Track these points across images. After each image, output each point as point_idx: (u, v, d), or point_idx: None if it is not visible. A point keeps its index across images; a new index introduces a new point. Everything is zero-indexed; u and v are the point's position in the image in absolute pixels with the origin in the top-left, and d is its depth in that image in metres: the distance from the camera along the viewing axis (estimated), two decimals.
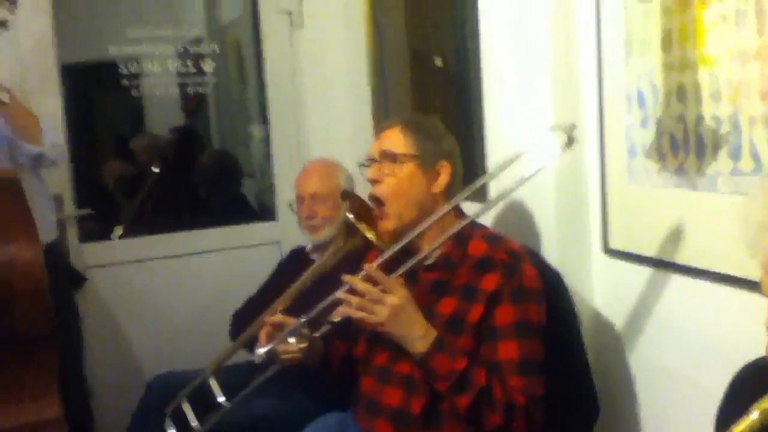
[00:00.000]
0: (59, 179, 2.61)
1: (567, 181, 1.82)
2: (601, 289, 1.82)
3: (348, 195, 1.67)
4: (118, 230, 3.10)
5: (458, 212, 1.65)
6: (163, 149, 3.45)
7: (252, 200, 3.33)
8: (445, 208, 1.58)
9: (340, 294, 1.49)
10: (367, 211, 1.63)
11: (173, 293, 2.75)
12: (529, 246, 1.82)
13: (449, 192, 1.64)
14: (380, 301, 1.45)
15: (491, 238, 1.62)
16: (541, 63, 1.81)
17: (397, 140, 1.64)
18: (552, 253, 1.82)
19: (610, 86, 1.73)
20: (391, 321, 1.46)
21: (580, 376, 1.67)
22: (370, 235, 1.61)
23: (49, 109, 2.50)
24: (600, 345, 1.79)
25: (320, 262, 1.74)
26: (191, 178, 3.45)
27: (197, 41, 3.14)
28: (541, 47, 1.80)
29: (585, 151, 1.81)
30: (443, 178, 1.63)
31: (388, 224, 1.60)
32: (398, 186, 1.60)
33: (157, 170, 3.41)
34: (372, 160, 1.66)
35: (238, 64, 3.26)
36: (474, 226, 1.64)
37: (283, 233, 2.86)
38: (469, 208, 1.65)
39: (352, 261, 1.66)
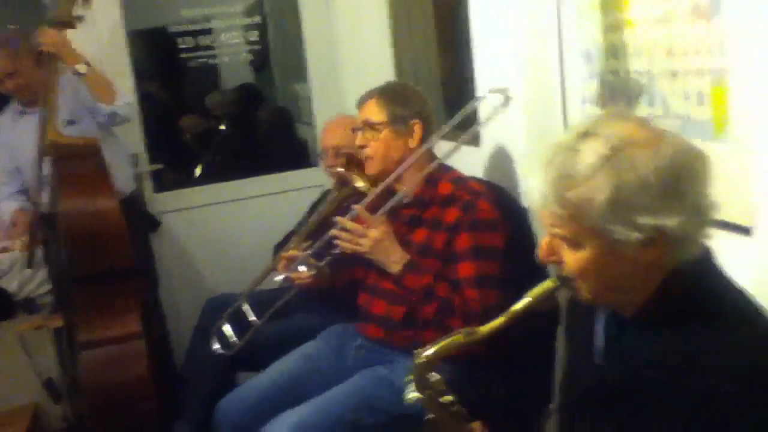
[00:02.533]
0: (135, 140, 3.11)
1: (538, 123, 2.12)
2: None
3: (341, 154, 2.05)
4: (197, 170, 3.61)
5: (430, 158, 1.99)
6: (232, 105, 3.90)
7: (304, 149, 3.74)
8: (412, 158, 1.93)
9: (333, 231, 1.89)
10: (358, 164, 2.01)
11: (233, 232, 3.23)
12: (505, 184, 2.17)
13: (425, 142, 1.98)
14: (364, 235, 1.85)
15: (457, 179, 1.97)
16: (511, 25, 2.11)
17: (372, 110, 1.98)
18: (525, 186, 2.16)
19: (568, 45, 2.02)
20: (373, 249, 1.86)
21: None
22: (359, 183, 2.00)
23: (123, 79, 2.97)
24: None
25: (321, 208, 2.14)
26: (252, 130, 3.89)
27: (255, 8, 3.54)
28: (510, 11, 2.10)
29: (553, 99, 2.11)
30: (416, 134, 1.97)
31: (372, 171, 2.00)
32: (378, 148, 1.97)
33: (223, 128, 3.89)
34: (358, 129, 2.02)
35: (285, 29, 3.65)
36: (445, 170, 2.00)
37: (324, 178, 3.26)
38: (461, 152, 1.97)
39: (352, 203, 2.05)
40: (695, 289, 1.04)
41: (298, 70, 3.51)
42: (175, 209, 3.24)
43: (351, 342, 2.07)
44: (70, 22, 2.50)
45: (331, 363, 2.04)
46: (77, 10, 2.50)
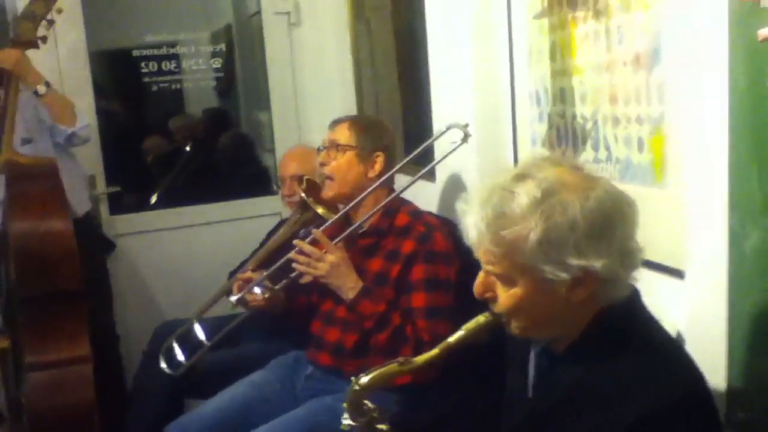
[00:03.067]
0: (93, 161, 3.10)
1: (490, 161, 2.19)
2: None
3: (303, 179, 2.09)
4: (153, 198, 3.60)
5: (389, 191, 2.04)
6: (196, 128, 3.90)
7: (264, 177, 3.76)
8: (374, 186, 1.98)
9: (291, 254, 1.92)
10: (319, 191, 2.05)
11: (189, 257, 3.22)
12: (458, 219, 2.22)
13: (384, 176, 2.03)
14: (321, 259, 1.88)
15: (414, 212, 2.03)
16: (467, 66, 2.18)
17: (342, 133, 2.05)
18: None
19: (519, 87, 2.09)
20: (329, 274, 1.89)
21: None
22: (319, 210, 2.04)
23: (83, 98, 2.97)
24: None
25: (281, 230, 2.17)
26: (214, 156, 3.88)
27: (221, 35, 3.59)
28: (466, 54, 2.17)
29: (504, 138, 2.18)
30: (378, 166, 2.03)
31: (329, 193, 2.04)
32: (339, 168, 2.02)
33: (188, 149, 3.88)
34: (324, 147, 2.08)
35: (251, 56, 3.68)
36: (403, 203, 2.05)
37: (282, 206, 3.27)
38: (416, 186, 2.03)
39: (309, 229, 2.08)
40: (624, 326, 1.09)
41: (261, 97, 3.54)
42: (131, 232, 3.22)
43: (301, 371, 2.08)
44: (32, 42, 2.50)
45: (278, 392, 2.05)
46: (41, 31, 2.51)
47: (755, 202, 1.21)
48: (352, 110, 3.19)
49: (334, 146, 2.04)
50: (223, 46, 3.55)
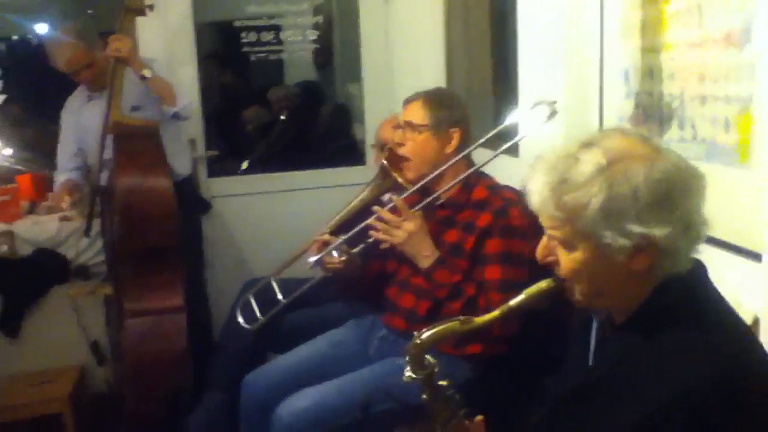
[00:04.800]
0: (195, 126, 3.28)
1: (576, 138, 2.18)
2: None
3: (384, 148, 2.14)
4: (244, 165, 3.76)
5: (468, 165, 2.06)
6: (293, 100, 4.04)
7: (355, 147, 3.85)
8: (451, 162, 2.01)
9: (370, 220, 1.98)
10: (400, 160, 2.10)
11: (279, 221, 3.35)
12: None
13: (462, 150, 2.05)
14: (399, 226, 1.93)
15: (493, 186, 2.05)
16: (557, 42, 2.17)
17: (416, 112, 2.05)
18: None
19: (608, 64, 2.06)
20: (406, 242, 1.93)
21: None
22: (399, 178, 2.09)
23: (187, 76, 3.15)
24: None
25: (362, 195, 2.23)
26: (309, 126, 4.01)
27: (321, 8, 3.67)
28: (556, 30, 2.16)
29: (590, 115, 2.16)
30: (454, 142, 2.04)
31: (409, 174, 2.08)
32: (415, 149, 2.05)
33: (284, 118, 4.03)
34: (400, 127, 2.11)
35: (348, 29, 3.76)
36: (482, 177, 2.07)
37: (372, 175, 3.36)
38: (500, 161, 2.04)
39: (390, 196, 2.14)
40: (683, 300, 1.09)
41: (356, 70, 3.62)
42: (227, 195, 3.39)
43: (375, 333, 2.15)
44: (141, 10, 2.66)
45: (354, 351, 2.13)
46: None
47: None
48: (442, 83, 3.21)
49: (410, 126, 2.06)
50: (320, 19, 3.65)
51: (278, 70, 3.89)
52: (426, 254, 1.93)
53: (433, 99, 2.08)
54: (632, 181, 1.04)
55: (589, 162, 1.06)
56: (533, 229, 1.97)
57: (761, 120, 1.48)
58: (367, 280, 2.21)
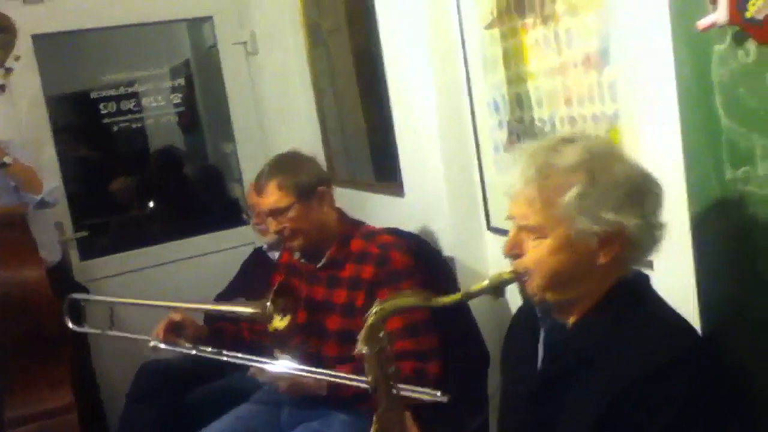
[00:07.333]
0: (59, 208, 3.06)
1: (455, 171, 2.22)
2: (491, 258, 2.23)
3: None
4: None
5: (340, 217, 2.03)
6: (156, 168, 3.86)
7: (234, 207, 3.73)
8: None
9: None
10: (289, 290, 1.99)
11: (163, 295, 3.18)
12: (429, 230, 2.27)
13: (334, 201, 2.02)
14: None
15: (368, 234, 2.00)
16: (426, 80, 2.21)
17: (275, 197, 1.94)
18: (448, 233, 2.25)
19: (477, 96, 2.13)
20: (291, 390, 1.88)
21: (468, 330, 2.08)
22: (277, 324, 1.94)
23: (45, 154, 2.96)
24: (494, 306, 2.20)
25: (239, 306, 2.10)
26: (178, 191, 3.85)
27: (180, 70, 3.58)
28: (423, 69, 2.21)
29: (468, 147, 2.21)
30: (327, 196, 2.00)
31: (298, 245, 2.01)
32: (298, 223, 1.95)
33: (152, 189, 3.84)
34: (268, 216, 2.00)
35: (211, 89, 3.69)
36: (356, 226, 2.04)
37: (255, 235, 3.27)
38: (389, 201, 2.02)
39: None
40: (636, 299, 1.17)
41: (225, 129, 3.54)
42: (104, 276, 3.18)
43: (284, 401, 2.06)
44: None
45: (265, 421, 2.03)
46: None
47: (713, 190, 1.24)
48: (317, 133, 3.21)
49: (278, 212, 1.95)
50: (181, 81, 3.56)
51: (142, 138, 3.72)
52: (316, 388, 1.86)
53: (285, 173, 1.96)
54: (612, 173, 1.12)
55: (573, 153, 1.14)
56: (417, 264, 1.95)
57: (628, 135, 1.56)
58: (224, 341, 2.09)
